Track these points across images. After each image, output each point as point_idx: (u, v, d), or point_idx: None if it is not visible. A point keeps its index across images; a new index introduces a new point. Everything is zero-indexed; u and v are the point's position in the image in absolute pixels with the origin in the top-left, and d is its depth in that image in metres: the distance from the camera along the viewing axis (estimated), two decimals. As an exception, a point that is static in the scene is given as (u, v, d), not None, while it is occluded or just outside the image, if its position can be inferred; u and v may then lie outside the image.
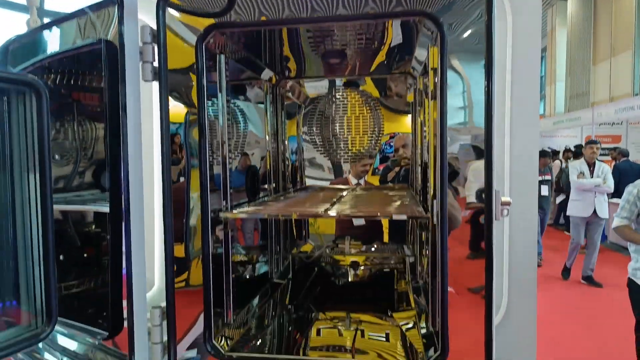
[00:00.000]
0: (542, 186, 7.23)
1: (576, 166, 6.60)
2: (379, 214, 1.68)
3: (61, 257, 1.28)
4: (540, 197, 7.09)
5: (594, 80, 13.44)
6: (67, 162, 1.55)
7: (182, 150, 1.54)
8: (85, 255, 1.61)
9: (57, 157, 1.54)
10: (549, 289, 6.38)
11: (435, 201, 1.48)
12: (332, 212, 1.63)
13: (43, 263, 1.24)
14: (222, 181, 1.75)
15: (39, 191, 1.32)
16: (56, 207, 1.46)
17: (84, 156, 1.60)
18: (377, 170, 2.65)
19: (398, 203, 1.88)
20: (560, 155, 10.94)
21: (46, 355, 1.48)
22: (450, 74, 1.40)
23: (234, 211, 1.69)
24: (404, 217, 1.72)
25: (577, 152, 8.75)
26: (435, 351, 1.53)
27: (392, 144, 2.61)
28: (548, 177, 7.59)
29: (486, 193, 1.37)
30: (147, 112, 1.75)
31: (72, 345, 1.63)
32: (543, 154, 7.46)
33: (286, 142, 2.67)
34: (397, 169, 2.62)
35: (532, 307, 3.76)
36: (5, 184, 1.29)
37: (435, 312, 1.63)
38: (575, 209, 6.50)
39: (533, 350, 3.85)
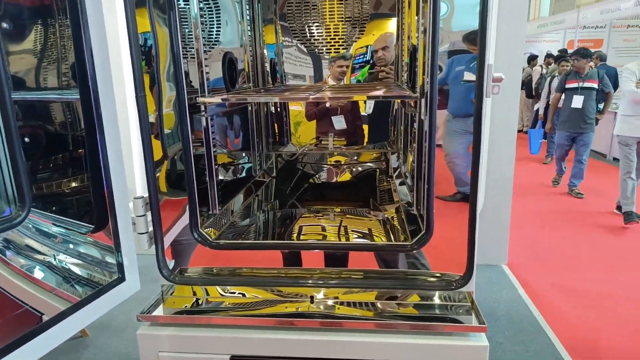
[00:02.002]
0: (575, 97, 5.61)
1: (634, 70, 4.79)
2: (368, 95, 1.61)
3: (26, 139, 1.19)
4: (572, 110, 5.63)
5: (582, -19, 12.97)
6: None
7: (152, 36, 1.40)
8: (64, 149, 1.52)
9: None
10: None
11: (425, 77, 1.41)
12: (316, 96, 1.55)
13: (8, 147, 1.16)
14: (197, 67, 1.63)
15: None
16: (27, 97, 1.34)
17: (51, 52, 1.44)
18: (352, 79, 2.52)
19: (384, 89, 1.81)
20: (542, 60, 10.81)
21: (37, 248, 1.44)
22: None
23: (212, 97, 1.59)
24: (388, 96, 1.64)
25: (559, 57, 8.34)
26: (419, 231, 1.57)
27: (366, 52, 2.45)
28: (591, 85, 5.66)
29: (478, 66, 1.30)
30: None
31: (62, 239, 1.60)
32: (584, 54, 5.72)
33: (263, 37, 2.49)
34: (376, 70, 2.49)
35: (507, 203, 3.91)
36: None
37: (420, 197, 1.64)
38: (631, 127, 4.80)
39: (505, 241, 4.06)
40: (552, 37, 12.81)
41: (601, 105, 5.93)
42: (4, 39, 1.24)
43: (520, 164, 7.40)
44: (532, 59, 10.99)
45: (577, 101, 5.58)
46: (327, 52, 2.42)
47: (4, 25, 1.23)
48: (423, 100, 1.50)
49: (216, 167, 1.73)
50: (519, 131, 5.59)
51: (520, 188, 6.16)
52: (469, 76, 1.36)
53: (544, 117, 7.83)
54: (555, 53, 10.45)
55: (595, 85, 5.66)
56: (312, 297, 1.58)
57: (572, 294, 3.60)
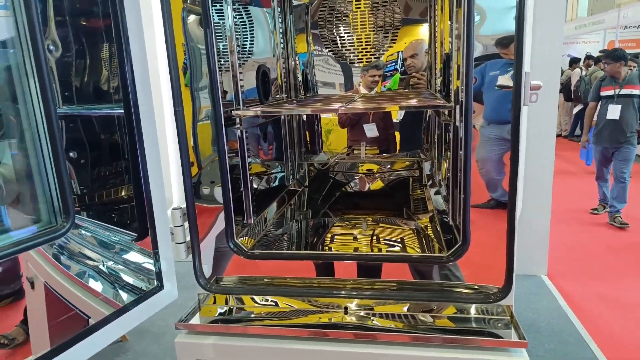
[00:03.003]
0: (611, 106, 4.82)
1: None
2: (400, 105, 1.60)
3: (71, 154, 1.25)
4: (608, 121, 4.87)
5: (622, -22, 12.47)
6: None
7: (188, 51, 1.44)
8: (108, 161, 1.59)
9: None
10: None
11: (459, 83, 1.38)
12: (349, 107, 1.55)
13: (54, 162, 1.21)
14: (232, 80, 1.66)
15: (39, 92, 1.27)
16: (70, 111, 1.42)
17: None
18: (383, 87, 2.51)
19: (417, 99, 1.79)
20: (581, 62, 10.43)
21: (87, 254, 1.51)
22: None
23: (247, 110, 1.62)
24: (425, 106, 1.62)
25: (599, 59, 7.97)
26: (455, 243, 1.53)
27: (397, 59, 2.44)
28: (631, 91, 4.81)
29: (515, 74, 1.27)
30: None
31: (108, 248, 1.66)
32: (616, 56, 4.86)
33: (295, 48, 2.52)
34: (408, 77, 2.47)
35: (546, 211, 3.78)
36: (6, 90, 1.25)
37: (455, 206, 1.61)
38: None
39: (545, 250, 3.92)
40: (591, 37, 12.36)
41: None
42: (53, 57, 1.31)
43: (560, 171, 7.13)
44: (573, 62, 10.61)
45: (614, 111, 4.80)
46: (358, 61, 2.42)
47: (50, 46, 1.30)
48: (458, 108, 1.48)
49: (250, 177, 1.75)
50: (557, 136, 5.18)
51: (560, 194, 5.94)
52: (503, 81, 1.33)
53: None
54: (595, 54, 10.07)
55: (636, 92, 4.81)
56: (346, 308, 1.57)
57: (616, 304, 3.44)
